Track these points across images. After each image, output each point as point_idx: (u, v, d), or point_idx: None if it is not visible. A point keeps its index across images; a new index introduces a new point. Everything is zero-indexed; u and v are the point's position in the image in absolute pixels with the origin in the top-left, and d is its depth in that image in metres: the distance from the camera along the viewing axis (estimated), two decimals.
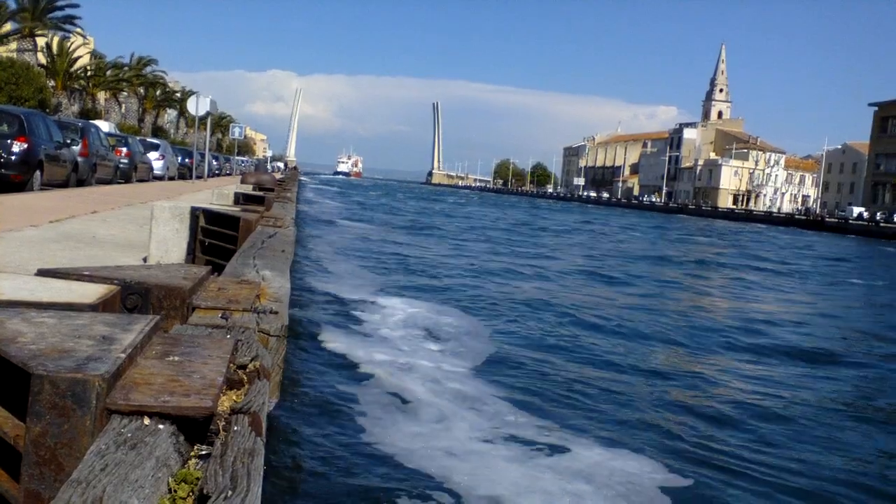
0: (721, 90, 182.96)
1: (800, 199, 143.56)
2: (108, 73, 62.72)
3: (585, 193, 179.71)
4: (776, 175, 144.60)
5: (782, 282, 25.99)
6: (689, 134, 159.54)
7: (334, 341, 10.63)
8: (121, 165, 26.77)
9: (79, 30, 54.62)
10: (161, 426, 1.86)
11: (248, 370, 2.44)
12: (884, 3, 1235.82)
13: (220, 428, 2.01)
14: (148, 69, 70.78)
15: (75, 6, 52.61)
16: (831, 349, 13.53)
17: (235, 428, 1.95)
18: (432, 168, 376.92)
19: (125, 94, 66.74)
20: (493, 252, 28.19)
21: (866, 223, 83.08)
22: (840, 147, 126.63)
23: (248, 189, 15.71)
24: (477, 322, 13.29)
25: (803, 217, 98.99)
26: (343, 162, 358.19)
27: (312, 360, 9.70)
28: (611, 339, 12.94)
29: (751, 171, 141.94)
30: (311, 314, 12.53)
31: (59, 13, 52.28)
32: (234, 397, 2.30)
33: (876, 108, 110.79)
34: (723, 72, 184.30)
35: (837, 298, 22.56)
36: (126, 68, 66.22)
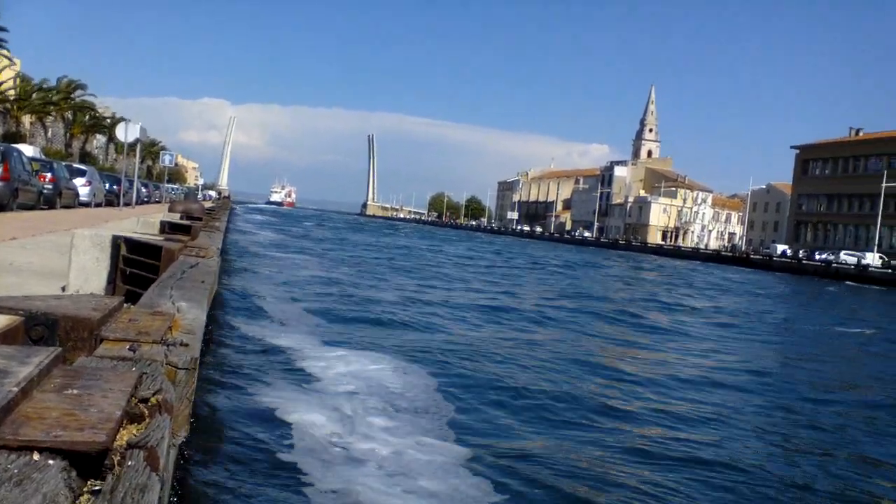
0: (650, 130, 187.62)
1: (726, 237, 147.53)
2: (35, 96, 61.29)
3: (519, 227, 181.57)
4: (703, 213, 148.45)
5: None
6: (619, 171, 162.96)
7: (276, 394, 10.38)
8: (45, 191, 26.11)
9: (5, 51, 53.34)
10: (51, 461, 1.83)
11: (150, 404, 2.41)
12: (804, 51, 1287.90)
13: (115, 463, 1.98)
14: (77, 93, 69.39)
15: (3, 29, 51.49)
16: None
17: (129, 463, 1.92)
18: (367, 199, 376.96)
19: (52, 118, 65.24)
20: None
21: (789, 260, 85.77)
22: (764, 187, 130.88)
23: (175, 217, 15.48)
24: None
25: (729, 254, 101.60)
26: (276, 191, 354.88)
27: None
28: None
29: (679, 208, 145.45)
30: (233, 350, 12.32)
31: None
32: (134, 431, 2.27)
33: (797, 151, 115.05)
34: (652, 112, 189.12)
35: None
36: (53, 92, 64.80)
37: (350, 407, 9.36)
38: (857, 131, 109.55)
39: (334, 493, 6.60)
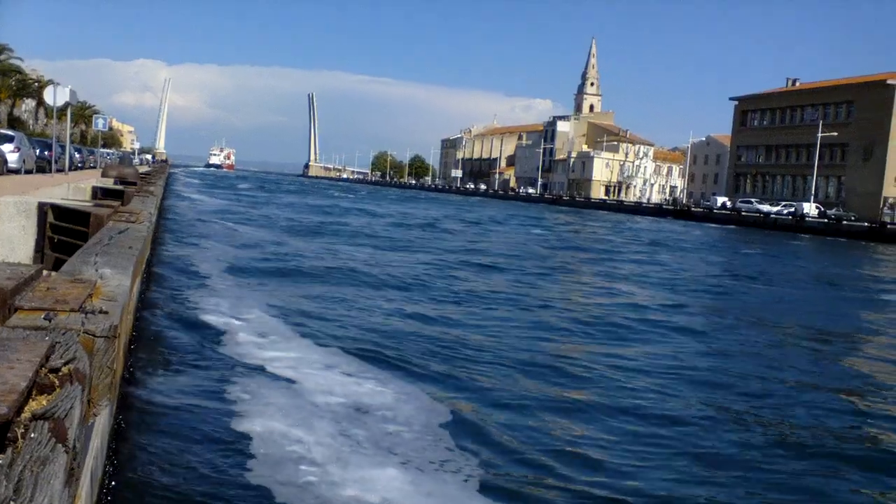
0: (592, 84, 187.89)
1: (668, 190, 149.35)
2: None
3: (464, 185, 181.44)
4: (645, 167, 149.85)
5: None
6: (562, 127, 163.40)
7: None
8: None
9: None
10: None
11: (61, 374, 2.33)
12: (743, 5, 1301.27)
13: (19, 435, 1.90)
14: (1, 56, 66.92)
15: None
16: None
17: (32, 435, 1.85)
18: (309, 160, 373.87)
19: None
20: None
21: (729, 212, 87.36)
22: (704, 139, 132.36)
23: (108, 183, 15.12)
24: None
25: (671, 207, 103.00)
26: (215, 154, 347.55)
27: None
28: None
29: (621, 163, 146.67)
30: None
31: None
32: (44, 402, 2.19)
33: (736, 103, 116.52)
34: (594, 66, 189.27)
35: None
36: None
37: None
38: (794, 82, 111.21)
39: None
